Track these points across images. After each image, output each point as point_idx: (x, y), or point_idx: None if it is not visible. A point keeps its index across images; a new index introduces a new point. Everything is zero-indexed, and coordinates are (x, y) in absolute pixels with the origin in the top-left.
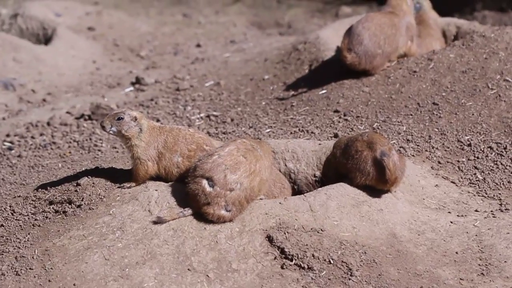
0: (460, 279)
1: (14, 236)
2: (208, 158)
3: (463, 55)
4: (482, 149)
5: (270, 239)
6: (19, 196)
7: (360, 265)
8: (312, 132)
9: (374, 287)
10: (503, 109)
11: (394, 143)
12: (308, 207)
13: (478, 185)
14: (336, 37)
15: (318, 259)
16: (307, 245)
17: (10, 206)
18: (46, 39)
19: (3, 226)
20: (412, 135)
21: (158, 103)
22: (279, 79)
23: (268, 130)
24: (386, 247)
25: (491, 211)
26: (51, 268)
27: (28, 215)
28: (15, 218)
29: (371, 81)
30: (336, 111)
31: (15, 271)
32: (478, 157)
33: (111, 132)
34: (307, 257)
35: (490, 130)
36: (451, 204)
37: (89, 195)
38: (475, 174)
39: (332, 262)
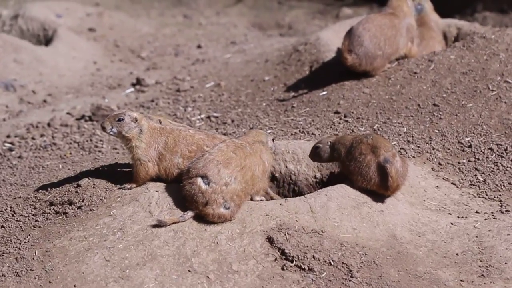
0: (461, 280)
1: (15, 237)
2: (199, 158)
3: (463, 56)
4: (483, 151)
5: (270, 240)
6: (20, 197)
7: (361, 266)
8: (312, 133)
9: None
10: (504, 110)
11: (394, 144)
12: (308, 208)
13: (479, 187)
14: (337, 39)
15: (319, 260)
16: (307, 246)
17: (10, 207)
18: (46, 40)
19: (4, 227)
20: (412, 137)
21: (158, 104)
22: (279, 80)
23: (268, 131)
24: (386, 249)
25: (492, 212)
26: (52, 269)
27: (28, 216)
28: (16, 219)
29: (371, 82)
30: (337, 112)
31: (15, 272)
32: (478, 159)
33: (111, 133)
34: (307, 258)
35: (491, 132)
36: (451, 206)
37: (90, 196)
38: (475, 175)
39: (332, 263)
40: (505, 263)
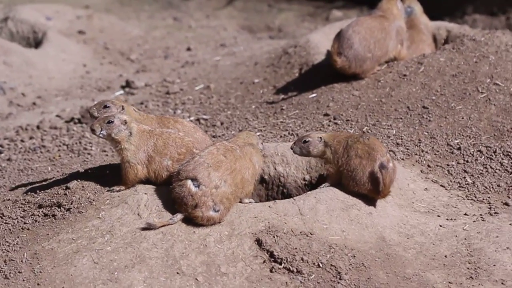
0: (449, 282)
1: (3, 239)
2: (189, 160)
3: (453, 59)
4: (472, 153)
5: (259, 242)
6: (9, 200)
7: (349, 268)
8: None
9: None
10: (493, 113)
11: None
12: (297, 211)
13: (468, 189)
14: (327, 41)
15: (307, 262)
16: (296, 248)
17: None
18: (36, 42)
19: None
20: (401, 139)
21: (148, 106)
22: (269, 83)
23: (258, 133)
24: (375, 251)
25: (480, 214)
26: (40, 272)
27: (17, 218)
28: (4, 221)
29: (361, 84)
30: (326, 114)
31: (4, 274)
32: (467, 161)
33: (100, 135)
34: (296, 260)
35: (480, 134)
36: (440, 208)
37: (79, 199)
38: (464, 177)
39: (321, 265)
40: (494, 265)
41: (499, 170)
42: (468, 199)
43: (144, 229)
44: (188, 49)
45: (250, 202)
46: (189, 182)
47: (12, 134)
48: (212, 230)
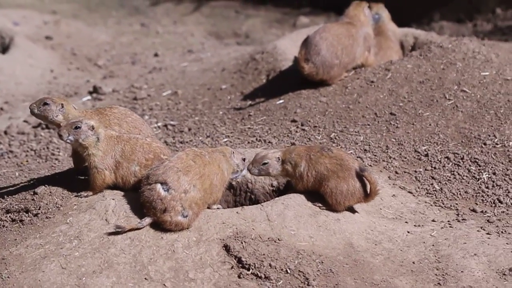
0: None
1: None
2: (159, 165)
3: (420, 66)
4: (439, 159)
5: (227, 248)
6: None
7: (317, 274)
8: (269, 142)
9: None
10: (460, 119)
11: (351, 153)
12: (265, 217)
13: (435, 195)
14: (294, 47)
15: (275, 268)
16: (264, 254)
17: None
18: (3, 48)
19: None
20: (369, 145)
21: None
22: (236, 89)
23: (225, 139)
24: (343, 257)
25: (448, 221)
26: (8, 277)
27: None
28: None
29: (328, 91)
30: (294, 121)
31: None
32: (435, 167)
33: (68, 141)
34: (264, 266)
35: (447, 141)
36: (408, 214)
37: (46, 204)
38: (432, 184)
39: (289, 271)
40: (461, 272)
41: (466, 176)
42: (435, 205)
43: (112, 233)
44: (156, 55)
45: (218, 208)
46: (159, 186)
47: None
48: (180, 235)
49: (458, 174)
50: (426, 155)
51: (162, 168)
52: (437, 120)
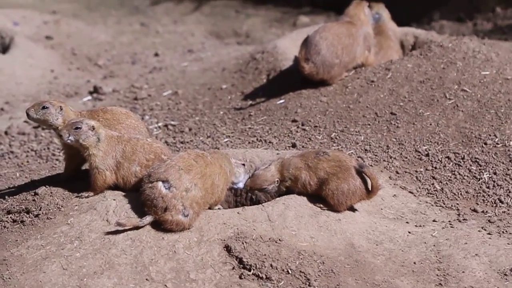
0: None
1: None
2: (160, 164)
3: (420, 65)
4: (440, 159)
5: (228, 249)
6: None
7: (318, 275)
8: (270, 142)
9: None
10: (461, 119)
11: (352, 153)
12: (266, 217)
13: (436, 195)
14: (294, 47)
15: (276, 269)
16: (265, 255)
17: None
18: (3, 48)
19: None
20: (370, 145)
21: None
22: (237, 89)
23: (226, 139)
24: (344, 257)
25: (449, 221)
26: (9, 278)
27: None
28: None
29: (329, 90)
30: (294, 120)
31: None
32: (436, 167)
33: (68, 141)
34: (265, 267)
35: (448, 140)
36: (409, 214)
37: (47, 205)
38: (433, 184)
39: (290, 272)
40: (463, 272)
41: (467, 176)
42: (436, 205)
43: (113, 233)
44: (156, 54)
45: (219, 209)
46: (160, 184)
47: None
48: (181, 236)
49: (459, 174)
50: (427, 155)
51: (164, 167)
52: (437, 120)
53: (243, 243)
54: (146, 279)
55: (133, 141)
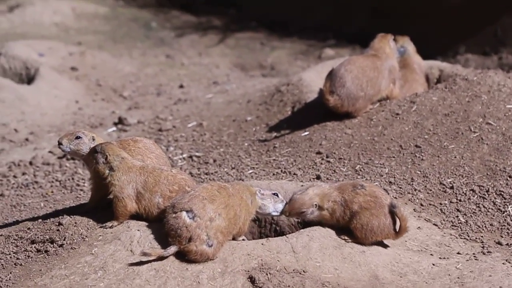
0: None
1: None
2: (184, 194)
3: (445, 98)
4: (465, 192)
5: (252, 280)
6: (1, 235)
7: None
8: (294, 174)
9: None
10: (486, 152)
11: (376, 185)
12: (290, 248)
13: (460, 228)
14: (319, 79)
15: None
16: (289, 286)
17: None
18: (29, 78)
19: None
20: (394, 177)
21: None
22: (261, 121)
23: (250, 171)
24: None
25: (473, 253)
26: None
27: (10, 254)
28: None
29: (353, 123)
30: (319, 152)
31: None
32: (460, 200)
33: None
34: None
35: (473, 173)
36: (433, 247)
37: (71, 235)
38: (457, 216)
39: None
40: None
41: (491, 209)
42: (461, 238)
43: (137, 264)
44: (181, 86)
45: (243, 240)
46: (184, 213)
47: (5, 169)
48: (205, 267)
49: (483, 206)
50: (451, 188)
51: (188, 197)
52: (462, 153)
53: (267, 274)
54: None
55: (157, 172)
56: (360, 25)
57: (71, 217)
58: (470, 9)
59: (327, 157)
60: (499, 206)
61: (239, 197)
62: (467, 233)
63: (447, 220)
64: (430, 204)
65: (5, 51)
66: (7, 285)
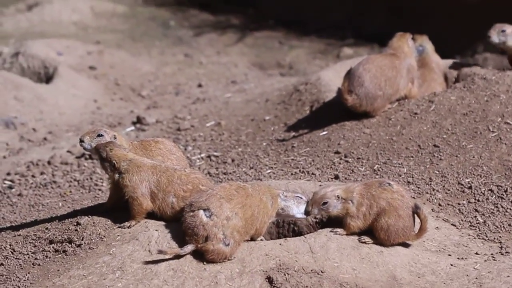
0: None
1: (14, 275)
2: (202, 193)
3: (464, 98)
4: (483, 192)
5: (270, 280)
6: (19, 235)
7: None
8: (312, 173)
9: None
10: (504, 152)
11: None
12: (308, 249)
13: (479, 228)
14: (338, 79)
15: None
16: (307, 286)
17: (10, 245)
18: (47, 78)
19: (3, 265)
20: (412, 177)
21: None
22: (280, 120)
23: (268, 171)
24: None
25: (492, 254)
26: None
27: (28, 254)
28: (15, 257)
29: (372, 122)
30: (337, 152)
31: None
32: (478, 200)
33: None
34: None
35: (491, 173)
36: (451, 247)
37: (89, 235)
38: (475, 216)
39: None
40: None
41: (510, 209)
42: (479, 238)
43: (155, 263)
44: (199, 85)
45: (261, 240)
46: (201, 212)
47: (23, 169)
48: (223, 267)
49: (502, 206)
50: (470, 188)
51: (205, 196)
52: (480, 152)
53: (285, 274)
54: None
55: (170, 172)
56: (379, 24)
57: (89, 217)
58: (489, 8)
59: (345, 156)
60: None
61: (258, 198)
62: (485, 233)
63: (465, 220)
64: (448, 204)
65: (24, 50)
66: (25, 285)
